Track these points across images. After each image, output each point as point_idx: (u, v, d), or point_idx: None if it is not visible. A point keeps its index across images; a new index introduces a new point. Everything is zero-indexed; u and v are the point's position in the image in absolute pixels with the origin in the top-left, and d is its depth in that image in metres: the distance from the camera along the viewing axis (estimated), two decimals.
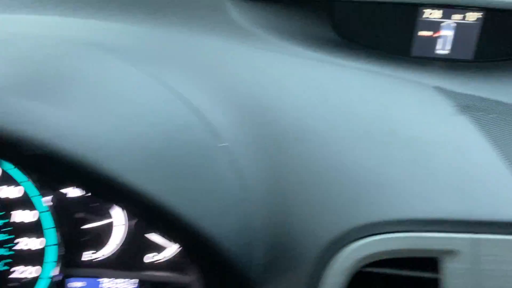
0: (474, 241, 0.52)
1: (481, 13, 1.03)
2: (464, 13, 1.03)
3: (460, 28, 1.04)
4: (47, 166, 0.44)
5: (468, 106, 0.77)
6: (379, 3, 0.95)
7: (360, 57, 0.99)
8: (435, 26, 1.04)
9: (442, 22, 1.03)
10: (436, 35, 1.05)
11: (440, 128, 0.69)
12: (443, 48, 1.05)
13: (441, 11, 1.02)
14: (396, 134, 0.66)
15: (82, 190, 0.73)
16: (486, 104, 0.82)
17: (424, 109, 0.76)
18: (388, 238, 0.53)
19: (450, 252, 0.53)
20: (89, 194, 0.65)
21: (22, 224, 0.77)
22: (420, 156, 0.62)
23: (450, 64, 1.05)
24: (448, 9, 1.02)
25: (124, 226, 0.80)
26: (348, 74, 0.84)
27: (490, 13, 1.03)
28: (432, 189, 0.57)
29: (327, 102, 0.71)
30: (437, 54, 1.06)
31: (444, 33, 1.04)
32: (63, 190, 0.78)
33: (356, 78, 0.83)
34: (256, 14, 0.94)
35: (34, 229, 0.77)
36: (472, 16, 1.03)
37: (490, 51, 1.06)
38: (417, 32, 1.04)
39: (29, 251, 0.78)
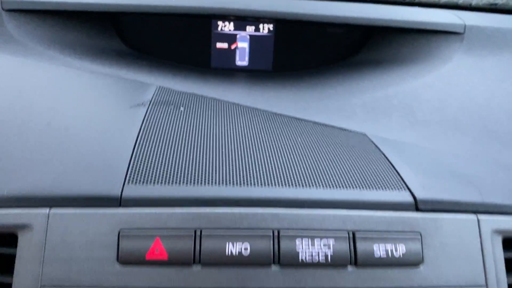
0: (45, 215, 0.55)
1: (272, 25, 1.06)
2: (256, 25, 1.06)
3: (254, 40, 1.06)
4: None
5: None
6: (164, 14, 0.95)
7: (151, 68, 0.99)
8: (230, 38, 1.06)
9: (237, 34, 1.06)
10: (233, 46, 1.06)
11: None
12: (241, 60, 1.07)
13: (232, 24, 1.05)
14: None
15: None
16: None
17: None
18: None
19: (25, 227, 0.54)
20: None
21: None
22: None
23: (250, 75, 1.06)
24: (240, 22, 1.05)
25: None
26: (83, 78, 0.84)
27: (280, 24, 1.07)
28: (13, 167, 0.59)
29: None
30: (238, 66, 1.07)
31: (241, 45, 1.06)
32: None
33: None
34: (34, 27, 0.93)
35: None
36: (264, 28, 1.06)
37: (286, 62, 1.09)
38: (214, 44, 1.06)
39: None
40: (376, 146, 0.73)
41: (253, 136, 0.72)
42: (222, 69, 1.06)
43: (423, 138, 0.82)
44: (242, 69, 1.07)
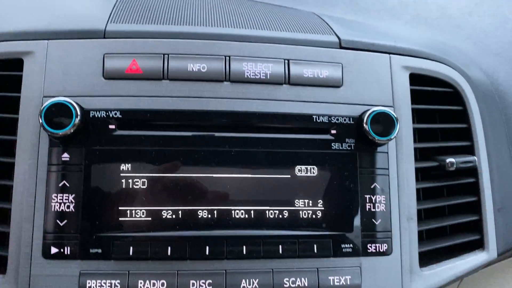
0: (45, 44, 0.69)
1: None
2: None
3: None
4: None
5: None
6: None
7: None
8: None
9: None
10: None
11: None
12: None
13: None
14: None
15: None
16: None
17: None
18: None
19: (29, 53, 0.69)
20: None
21: None
22: None
23: None
24: None
25: None
26: None
27: None
28: (16, 10, 0.74)
29: None
30: None
31: None
32: None
33: None
34: None
35: None
36: None
37: None
38: None
39: None
40: (319, 16, 0.89)
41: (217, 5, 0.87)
42: None
43: (362, 21, 0.97)
44: None
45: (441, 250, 0.78)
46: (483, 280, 0.90)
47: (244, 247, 0.67)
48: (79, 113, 0.64)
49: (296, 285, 0.67)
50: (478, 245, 0.79)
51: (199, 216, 0.67)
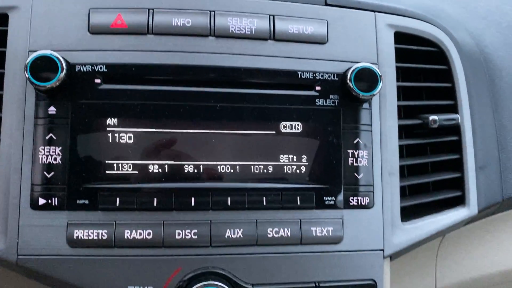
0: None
1: None
2: None
3: None
4: None
5: None
6: None
7: None
8: None
9: None
10: None
11: None
12: None
13: None
14: None
15: None
16: None
17: None
18: None
19: (13, 7, 0.69)
20: None
21: None
22: None
23: None
24: None
25: None
26: None
27: None
28: None
29: None
30: None
31: None
32: None
33: None
34: None
35: None
36: None
37: None
38: None
39: None
40: None
41: None
42: None
43: None
44: None
45: (424, 207, 0.80)
46: (464, 238, 0.92)
47: (229, 198, 0.68)
48: (64, 66, 0.64)
49: (279, 235, 0.69)
50: (460, 201, 0.81)
51: (185, 171, 0.68)
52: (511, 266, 0.94)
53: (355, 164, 0.72)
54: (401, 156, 0.78)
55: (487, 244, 0.94)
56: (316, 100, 0.72)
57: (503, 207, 0.87)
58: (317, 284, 0.70)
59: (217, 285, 0.65)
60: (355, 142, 0.73)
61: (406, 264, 0.90)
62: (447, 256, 0.92)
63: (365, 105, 0.74)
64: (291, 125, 0.71)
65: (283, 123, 0.71)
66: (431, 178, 0.80)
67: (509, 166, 0.85)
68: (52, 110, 0.67)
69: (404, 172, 0.80)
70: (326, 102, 0.72)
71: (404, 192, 0.80)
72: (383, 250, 0.73)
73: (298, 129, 0.71)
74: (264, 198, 0.69)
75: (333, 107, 0.72)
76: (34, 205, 0.65)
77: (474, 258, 0.93)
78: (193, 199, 0.67)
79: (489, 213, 0.86)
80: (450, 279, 0.92)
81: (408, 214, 0.77)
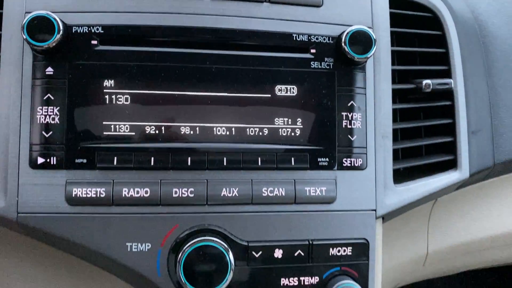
0: None
1: None
2: None
3: None
4: None
5: None
6: None
7: None
8: None
9: None
10: None
11: None
12: None
13: None
14: None
15: None
16: None
17: None
18: None
19: None
20: None
21: None
22: None
23: None
24: None
25: None
26: None
27: None
28: None
29: None
30: None
31: None
32: None
33: None
34: None
35: None
36: None
37: None
38: None
39: None
40: None
41: None
42: None
43: None
44: None
45: (416, 171, 0.81)
46: (456, 203, 0.94)
47: (225, 158, 0.70)
48: (61, 27, 0.65)
49: (274, 195, 0.70)
50: (452, 165, 0.82)
51: (181, 132, 0.69)
52: (500, 231, 0.96)
53: (348, 126, 0.74)
54: (395, 120, 0.80)
55: (478, 209, 0.96)
56: (311, 63, 0.73)
57: (494, 173, 0.88)
58: (310, 242, 0.72)
59: (214, 240, 0.67)
60: (349, 104, 0.74)
61: (398, 229, 0.92)
62: (439, 221, 0.94)
63: (360, 69, 0.75)
64: (286, 88, 0.72)
65: (278, 86, 0.72)
66: (424, 142, 0.81)
67: (501, 132, 0.87)
68: (49, 70, 0.67)
69: (398, 136, 0.82)
70: (321, 64, 0.73)
71: (398, 156, 0.81)
72: (375, 210, 0.74)
73: (293, 92, 0.72)
74: (259, 159, 0.70)
75: (328, 69, 0.73)
76: (33, 164, 0.66)
77: (465, 223, 0.95)
78: (189, 158, 0.69)
79: (481, 178, 0.88)
80: (441, 243, 0.94)
81: (401, 178, 0.79)
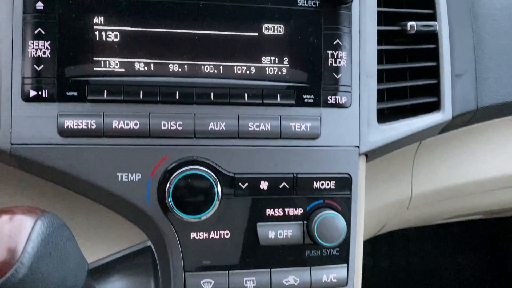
0: None
1: None
2: None
3: None
4: None
5: None
6: None
7: None
8: None
9: None
10: None
11: None
12: None
13: None
14: None
15: None
16: None
17: None
18: None
19: None
20: None
21: None
22: None
23: None
24: None
25: None
26: None
27: None
28: None
29: None
30: None
31: None
32: None
33: None
34: None
35: None
36: None
37: None
38: None
39: None
40: None
41: None
42: None
43: None
44: None
45: (400, 113, 0.84)
46: (440, 148, 0.96)
47: (212, 93, 0.72)
48: None
49: (260, 129, 0.72)
50: (435, 107, 0.84)
51: (170, 69, 0.71)
52: (483, 177, 0.99)
53: (334, 64, 0.75)
54: (381, 63, 0.81)
55: (461, 154, 0.98)
56: (298, 0, 0.74)
57: (477, 118, 0.91)
58: (295, 175, 0.74)
59: (202, 169, 0.69)
60: (334, 43, 0.75)
61: (383, 171, 0.95)
62: (423, 164, 0.97)
63: (346, 9, 0.76)
64: (273, 27, 0.73)
65: (265, 25, 0.73)
66: (408, 83, 0.83)
67: (484, 77, 0.89)
68: (39, 5, 0.69)
69: (384, 79, 0.83)
70: (307, 3, 0.74)
71: (383, 97, 0.83)
72: (358, 147, 0.77)
73: (280, 31, 0.74)
74: (246, 94, 0.72)
75: (315, 8, 0.75)
76: (26, 97, 0.68)
77: (449, 167, 0.97)
78: (177, 92, 0.71)
79: (464, 122, 0.90)
80: (425, 187, 0.97)
81: (385, 119, 0.81)
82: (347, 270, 0.77)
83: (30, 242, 0.48)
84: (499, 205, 1.13)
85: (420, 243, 2.50)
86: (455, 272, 2.46)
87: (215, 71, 0.72)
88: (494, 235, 2.36)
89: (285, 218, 0.74)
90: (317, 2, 0.75)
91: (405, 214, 1.04)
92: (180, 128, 0.70)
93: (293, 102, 0.74)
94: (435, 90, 0.84)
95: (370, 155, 0.81)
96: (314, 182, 0.75)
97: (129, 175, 0.70)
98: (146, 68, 0.70)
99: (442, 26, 0.83)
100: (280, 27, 0.74)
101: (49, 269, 0.50)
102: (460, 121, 0.88)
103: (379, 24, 0.80)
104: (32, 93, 0.69)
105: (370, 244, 2.51)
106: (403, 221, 1.09)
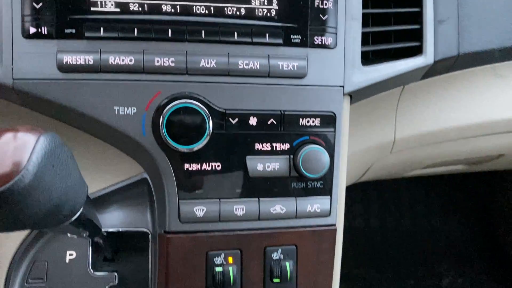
0: None
1: None
2: None
3: None
4: None
5: None
6: None
7: None
8: None
9: None
10: None
11: None
12: None
13: None
14: None
15: None
16: None
17: None
18: None
19: None
20: None
21: None
22: None
23: None
24: None
25: None
26: None
27: None
28: None
29: None
30: None
31: None
32: None
33: None
34: None
35: None
36: None
37: None
38: None
39: None
40: None
41: None
42: None
43: None
44: None
45: (384, 58, 0.87)
46: (423, 93, 1.00)
47: (203, 30, 0.75)
48: None
49: (249, 67, 0.76)
50: (418, 52, 0.88)
51: (163, 10, 0.74)
52: (465, 123, 1.04)
53: (320, 6, 0.79)
54: (366, 7, 0.85)
55: (444, 100, 1.03)
56: None
57: (459, 65, 0.95)
58: (282, 112, 0.79)
59: (194, 103, 0.74)
60: None
61: (367, 114, 0.99)
62: (406, 109, 1.01)
63: None
64: None
65: None
66: (392, 27, 0.87)
67: (466, 24, 0.92)
68: None
69: (369, 24, 0.87)
70: None
71: (368, 42, 0.87)
72: (343, 87, 0.81)
73: None
74: (236, 33, 0.76)
75: None
76: (26, 34, 0.72)
77: (432, 112, 1.02)
78: (170, 29, 0.74)
79: (446, 67, 0.94)
80: (408, 131, 1.02)
81: (370, 63, 0.85)
82: (330, 202, 0.82)
83: (35, 153, 0.52)
84: (479, 153, 1.18)
85: (411, 205, 2.58)
86: (446, 233, 2.55)
87: (206, 11, 0.76)
88: (482, 195, 2.44)
89: (273, 152, 0.79)
90: None
91: (389, 158, 1.09)
92: (172, 65, 0.74)
93: (281, 41, 0.78)
94: (418, 35, 0.88)
95: (354, 96, 0.85)
96: (300, 119, 0.79)
97: (125, 108, 0.74)
98: (140, 9, 0.74)
99: None
100: None
101: (52, 180, 0.54)
102: (442, 66, 0.92)
103: None
104: (32, 30, 0.72)
105: (363, 207, 2.59)
106: (387, 165, 1.14)
